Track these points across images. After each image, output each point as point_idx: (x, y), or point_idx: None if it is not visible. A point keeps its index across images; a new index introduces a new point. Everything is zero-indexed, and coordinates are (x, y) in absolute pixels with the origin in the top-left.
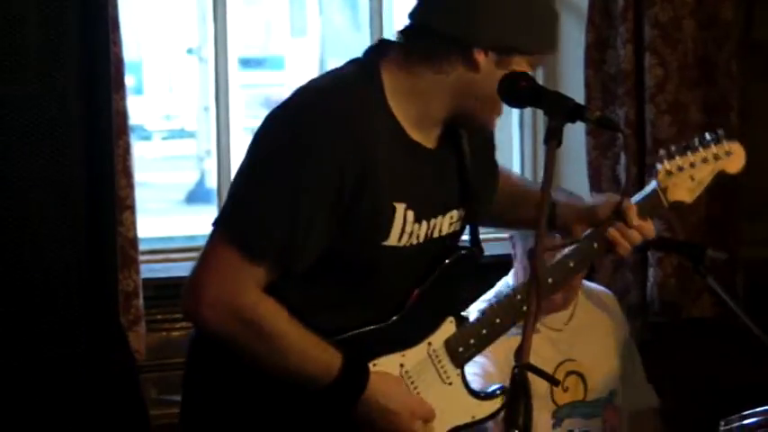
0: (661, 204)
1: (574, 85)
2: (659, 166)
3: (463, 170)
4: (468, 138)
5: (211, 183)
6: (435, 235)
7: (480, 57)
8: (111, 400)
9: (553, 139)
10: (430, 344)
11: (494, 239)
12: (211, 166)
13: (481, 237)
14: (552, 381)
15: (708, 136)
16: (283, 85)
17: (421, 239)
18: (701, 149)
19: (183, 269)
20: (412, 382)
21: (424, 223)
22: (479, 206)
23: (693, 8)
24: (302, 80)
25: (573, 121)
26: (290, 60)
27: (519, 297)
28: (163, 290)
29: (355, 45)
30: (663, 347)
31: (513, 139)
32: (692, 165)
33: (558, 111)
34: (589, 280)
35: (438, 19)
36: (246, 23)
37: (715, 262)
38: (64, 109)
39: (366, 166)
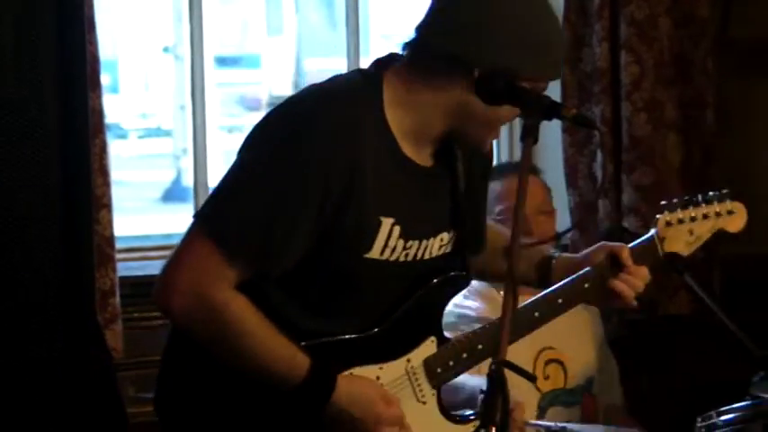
0: (656, 253)
1: (550, 83)
2: (659, 216)
3: (456, 192)
4: (464, 160)
5: (188, 181)
6: (426, 257)
7: None
8: (88, 399)
9: (529, 136)
10: (409, 360)
11: None
12: (188, 164)
13: None
14: (529, 377)
15: (711, 193)
16: (259, 84)
17: (409, 258)
18: (703, 205)
19: (159, 267)
20: None
21: (412, 243)
22: (470, 230)
23: (669, 6)
24: (278, 78)
25: (549, 119)
26: (267, 59)
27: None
28: (139, 288)
29: (331, 44)
30: (640, 344)
31: None
32: (693, 219)
33: (534, 108)
34: None
35: (442, 37)
36: (222, 22)
37: (692, 259)
38: (40, 108)
39: (354, 177)
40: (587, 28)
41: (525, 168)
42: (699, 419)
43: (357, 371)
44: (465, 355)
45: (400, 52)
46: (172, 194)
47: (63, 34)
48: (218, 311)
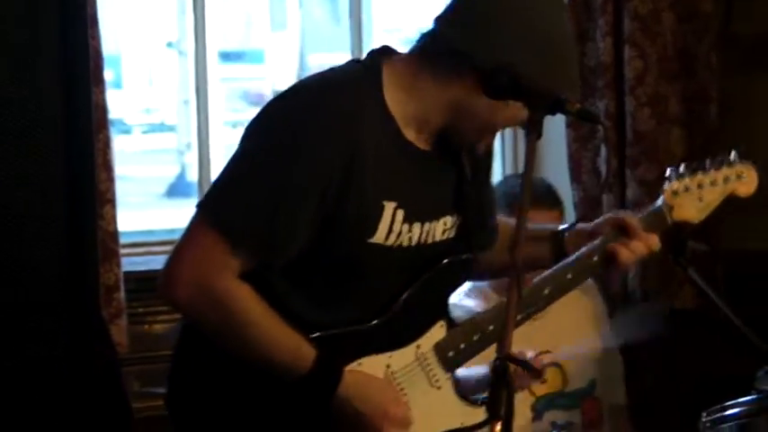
0: (665, 222)
1: None
2: (666, 185)
3: (459, 176)
4: (466, 149)
5: (192, 176)
6: (429, 241)
7: None
8: (93, 394)
9: (533, 131)
10: (419, 346)
11: None
12: (192, 159)
13: None
14: (534, 372)
15: (720, 158)
16: (263, 79)
17: (413, 242)
18: (711, 171)
19: (164, 262)
20: (398, 384)
21: (416, 226)
22: (475, 218)
23: (673, 1)
24: (282, 73)
25: (553, 114)
26: (270, 54)
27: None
28: (144, 283)
29: (335, 39)
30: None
31: None
32: (701, 186)
33: (538, 103)
34: None
35: (452, 30)
36: (226, 17)
37: (695, 253)
38: (44, 104)
39: (355, 163)
40: (591, 23)
41: (530, 163)
42: (704, 414)
43: (366, 361)
44: (476, 338)
45: (413, 41)
46: (176, 189)
47: (66, 30)
48: (222, 301)
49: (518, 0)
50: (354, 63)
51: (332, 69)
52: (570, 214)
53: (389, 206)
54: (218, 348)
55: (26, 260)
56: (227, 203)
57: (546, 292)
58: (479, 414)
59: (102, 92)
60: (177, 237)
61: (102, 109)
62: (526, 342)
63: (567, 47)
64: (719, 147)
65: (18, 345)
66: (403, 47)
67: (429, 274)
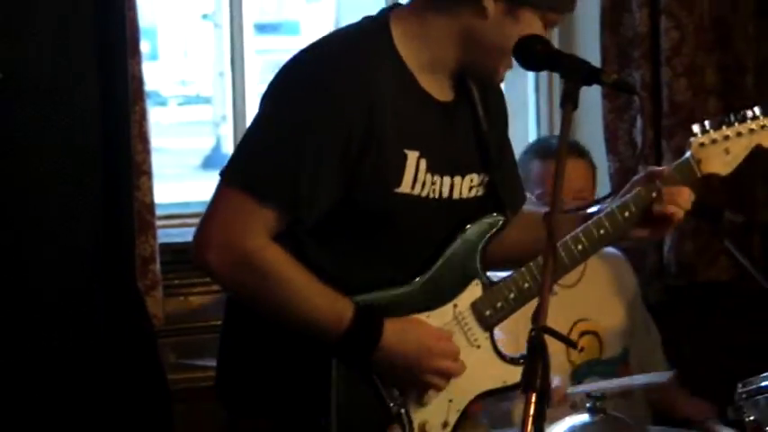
0: (694, 174)
1: (590, 49)
2: (693, 139)
3: (479, 131)
4: (480, 98)
5: (227, 148)
6: (456, 196)
7: (489, 3)
8: (130, 366)
9: (569, 102)
10: (456, 306)
11: None
12: (227, 131)
13: None
14: (570, 343)
15: (745, 111)
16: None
17: (440, 195)
18: (736, 124)
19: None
20: None
21: (441, 178)
22: (499, 172)
23: None
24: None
25: (589, 84)
26: (306, 25)
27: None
28: (180, 255)
29: (371, 8)
30: (680, 310)
31: (529, 102)
32: (726, 138)
33: (573, 74)
34: None
35: None
36: None
37: (732, 224)
38: (80, 75)
39: (375, 115)
40: None
41: (566, 134)
42: (739, 385)
43: (408, 317)
44: (513, 296)
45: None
46: (211, 161)
47: (103, 2)
48: (254, 261)
49: None
50: (365, 19)
51: (344, 28)
52: (606, 185)
53: (412, 155)
54: (264, 321)
55: (63, 232)
56: (250, 163)
57: (579, 248)
58: (519, 373)
59: (139, 63)
60: None
61: (139, 81)
62: (562, 311)
63: None
64: None
65: (55, 317)
66: None
67: (463, 233)
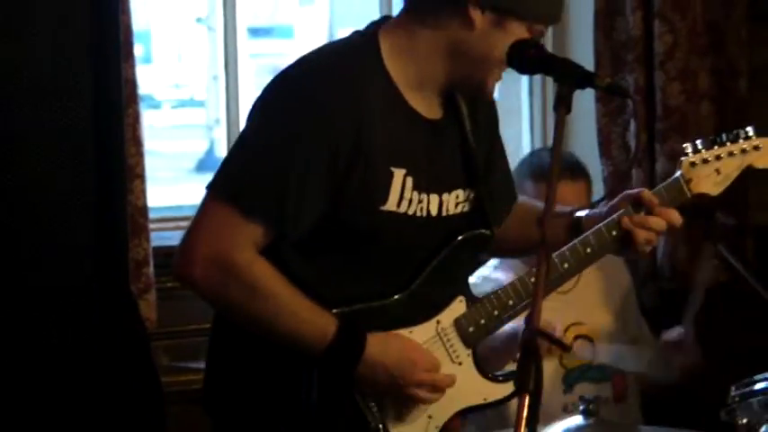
0: (684, 194)
1: (583, 52)
2: (683, 158)
3: (467, 148)
4: (469, 114)
5: (221, 152)
6: (444, 214)
7: (476, 15)
8: (123, 369)
9: (562, 105)
10: (439, 322)
11: None
12: (221, 135)
13: None
14: (562, 346)
15: (737, 131)
16: (292, 54)
17: (427, 213)
18: (728, 143)
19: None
20: None
21: (427, 197)
22: (485, 187)
23: None
24: (311, 49)
25: (582, 88)
26: (299, 29)
27: (533, 280)
28: (173, 258)
29: (364, 12)
30: (673, 313)
31: (523, 106)
32: (718, 158)
33: (567, 77)
34: None
35: None
36: None
37: (724, 227)
38: (74, 78)
39: (362, 132)
40: None
41: (559, 138)
42: (733, 388)
43: (389, 332)
44: (497, 312)
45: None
46: (205, 165)
47: (97, 4)
48: (239, 274)
49: None
50: (354, 34)
51: (333, 42)
52: (599, 189)
53: (399, 173)
54: (249, 334)
55: (56, 235)
56: (237, 176)
57: (565, 266)
58: (501, 390)
59: (132, 67)
60: None
61: (132, 84)
62: (556, 315)
63: None
64: (749, 121)
65: (48, 319)
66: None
67: (448, 249)
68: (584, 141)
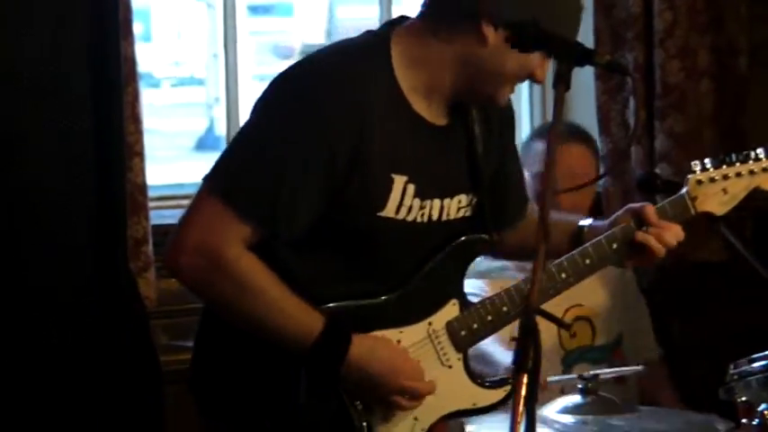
0: (688, 212)
1: (583, 30)
2: (690, 176)
3: (473, 154)
4: (480, 120)
5: (220, 130)
6: (444, 218)
7: (489, 31)
8: (122, 347)
9: (561, 83)
10: (430, 324)
11: None
12: (220, 113)
13: None
14: (563, 325)
15: (746, 152)
16: (292, 32)
17: (427, 219)
18: (737, 164)
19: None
20: None
21: (429, 202)
22: (494, 195)
23: None
24: (311, 27)
25: (582, 66)
26: (299, 7)
27: (529, 287)
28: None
29: None
30: (671, 292)
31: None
32: (726, 177)
33: (566, 55)
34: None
35: None
36: None
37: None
38: (72, 57)
39: (364, 136)
40: None
41: (559, 116)
42: (731, 366)
43: (377, 335)
44: (490, 318)
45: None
46: (204, 143)
47: None
48: (227, 268)
49: None
50: (366, 34)
51: (343, 41)
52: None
53: (399, 180)
54: (238, 330)
55: (55, 213)
56: (234, 173)
57: (563, 276)
58: (491, 396)
59: (131, 45)
60: None
61: (131, 62)
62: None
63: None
64: (749, 99)
65: (47, 298)
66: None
67: (444, 252)
68: (584, 119)
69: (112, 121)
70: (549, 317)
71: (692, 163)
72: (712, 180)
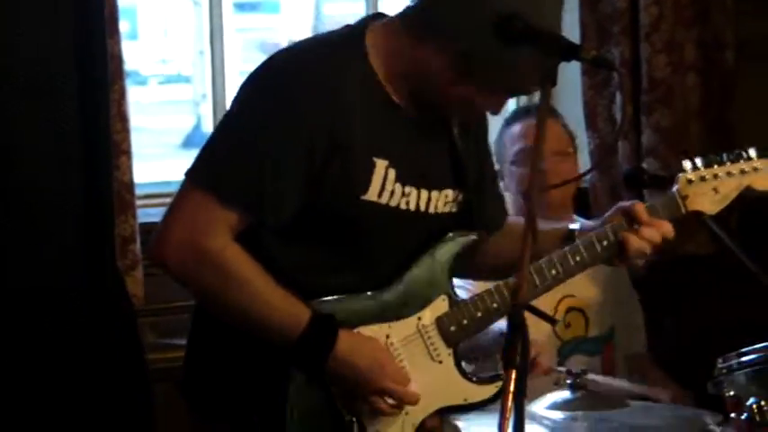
0: (679, 210)
1: (569, 25)
2: (681, 174)
3: (454, 148)
4: (459, 123)
5: (208, 127)
6: (431, 210)
7: (438, 58)
8: (110, 345)
9: (548, 78)
10: (420, 319)
11: None
12: (207, 110)
13: None
14: (550, 320)
15: (740, 151)
16: (278, 29)
17: (411, 207)
18: (728, 163)
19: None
20: (398, 356)
21: (412, 190)
22: (473, 190)
23: None
24: (298, 23)
25: (568, 61)
26: (286, 3)
27: (508, 288)
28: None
29: None
30: (659, 285)
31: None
32: (716, 176)
33: (552, 50)
34: (586, 219)
35: (439, 8)
36: None
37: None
38: (59, 55)
39: (341, 124)
40: None
41: (545, 111)
42: (720, 360)
43: (365, 330)
44: (479, 314)
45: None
46: (192, 140)
47: None
48: (214, 261)
49: None
50: (342, 27)
51: (320, 34)
52: (586, 161)
53: (381, 164)
54: (229, 327)
55: (41, 212)
56: (215, 163)
57: (552, 272)
58: (482, 392)
59: (118, 43)
60: None
61: (118, 60)
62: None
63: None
64: (736, 93)
65: (34, 296)
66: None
67: (432, 247)
68: (571, 114)
69: (99, 119)
70: (537, 312)
71: (683, 161)
72: (703, 179)
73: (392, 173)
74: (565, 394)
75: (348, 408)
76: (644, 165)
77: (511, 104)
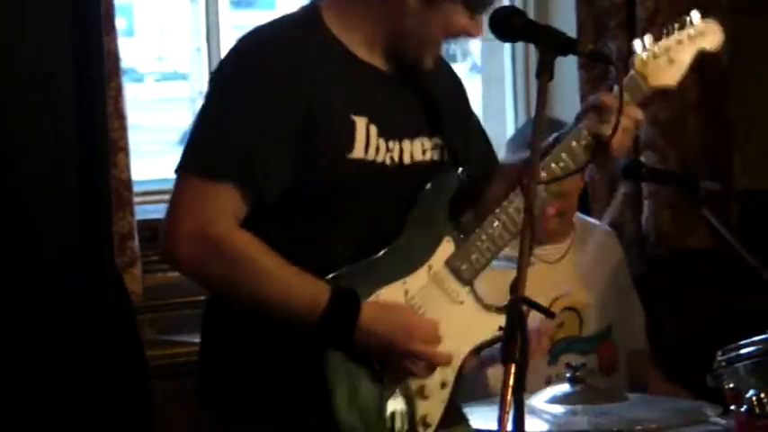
0: (642, 90)
1: (565, 19)
2: (634, 56)
3: (428, 99)
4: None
5: None
6: (407, 161)
7: None
8: (109, 342)
9: (545, 73)
10: (430, 266)
11: None
12: None
13: None
14: (548, 314)
15: (684, 18)
16: None
17: (396, 160)
18: (675, 33)
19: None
20: (419, 307)
21: (395, 144)
22: (455, 135)
23: None
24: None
25: (565, 55)
26: (281, 0)
27: (513, 208)
28: (158, 231)
29: None
30: (659, 279)
31: (506, 73)
32: (668, 49)
33: (549, 44)
34: (586, 214)
35: None
36: None
37: (709, 193)
38: (55, 52)
39: (313, 94)
40: None
41: (542, 105)
42: (719, 353)
43: (384, 291)
44: (486, 246)
45: None
46: None
47: None
48: (225, 248)
49: None
50: (299, 8)
51: (279, 17)
52: None
53: (361, 121)
54: (246, 316)
55: (40, 209)
56: (200, 147)
57: (544, 194)
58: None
59: (114, 40)
60: None
61: (114, 57)
62: (542, 285)
63: None
64: (732, 87)
65: (32, 294)
66: None
67: (423, 194)
68: (568, 108)
69: (96, 117)
70: (535, 306)
71: (633, 43)
72: (656, 56)
73: (373, 129)
74: (564, 388)
75: (388, 371)
76: (642, 158)
77: (509, 102)
